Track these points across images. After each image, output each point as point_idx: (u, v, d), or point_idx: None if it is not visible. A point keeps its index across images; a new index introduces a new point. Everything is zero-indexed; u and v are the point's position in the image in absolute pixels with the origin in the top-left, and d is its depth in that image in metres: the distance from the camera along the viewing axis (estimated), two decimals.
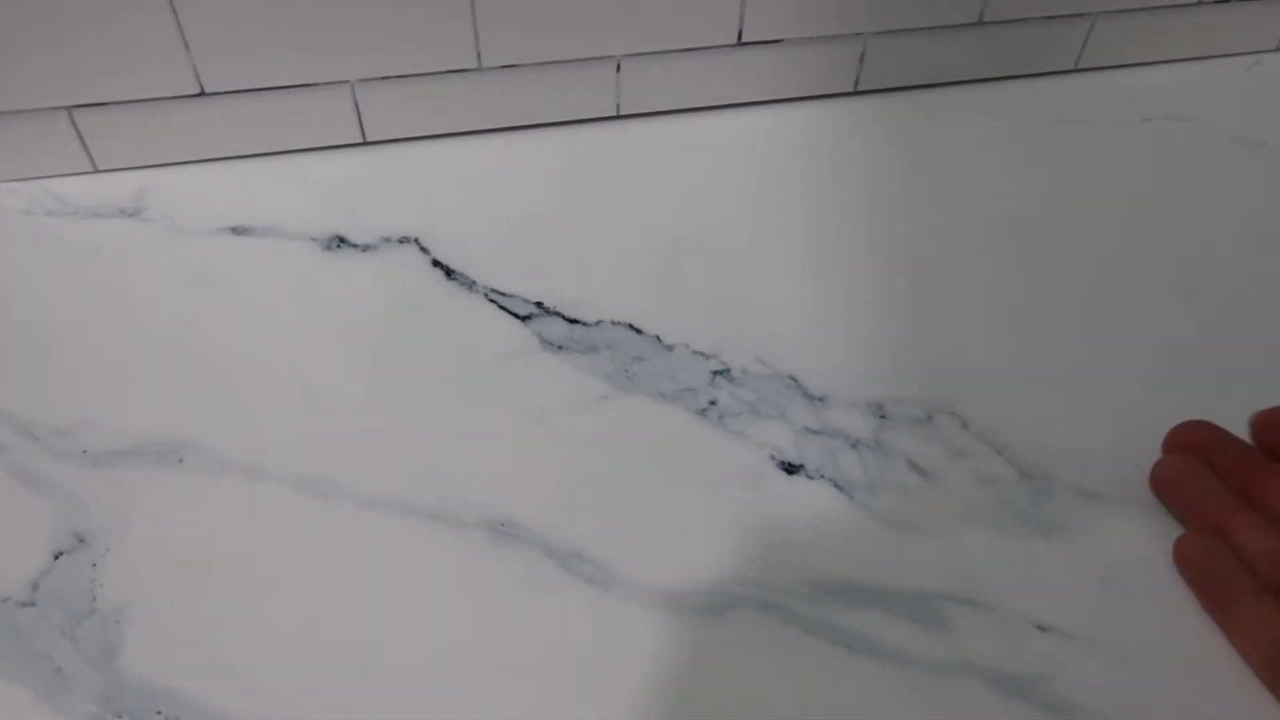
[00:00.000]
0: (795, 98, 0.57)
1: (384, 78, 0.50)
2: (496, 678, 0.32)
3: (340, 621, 0.34)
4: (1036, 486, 0.38)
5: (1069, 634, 0.34)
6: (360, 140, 0.53)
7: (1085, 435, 0.40)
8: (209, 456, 0.38)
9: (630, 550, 0.36)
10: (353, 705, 0.32)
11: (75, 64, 0.46)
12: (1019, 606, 0.34)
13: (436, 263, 0.47)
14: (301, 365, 0.42)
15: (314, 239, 0.48)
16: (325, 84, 0.50)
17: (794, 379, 0.42)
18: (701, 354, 0.43)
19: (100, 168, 0.51)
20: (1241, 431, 0.37)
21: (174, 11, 0.45)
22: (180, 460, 0.38)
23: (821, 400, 0.41)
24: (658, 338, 0.44)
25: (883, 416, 0.41)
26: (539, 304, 0.45)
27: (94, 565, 0.35)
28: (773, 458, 0.39)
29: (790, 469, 0.39)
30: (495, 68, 0.51)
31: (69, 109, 0.48)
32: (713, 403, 0.41)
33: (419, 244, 0.48)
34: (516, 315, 0.44)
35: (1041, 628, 0.34)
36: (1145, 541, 0.36)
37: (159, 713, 0.31)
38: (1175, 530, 0.36)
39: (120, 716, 0.31)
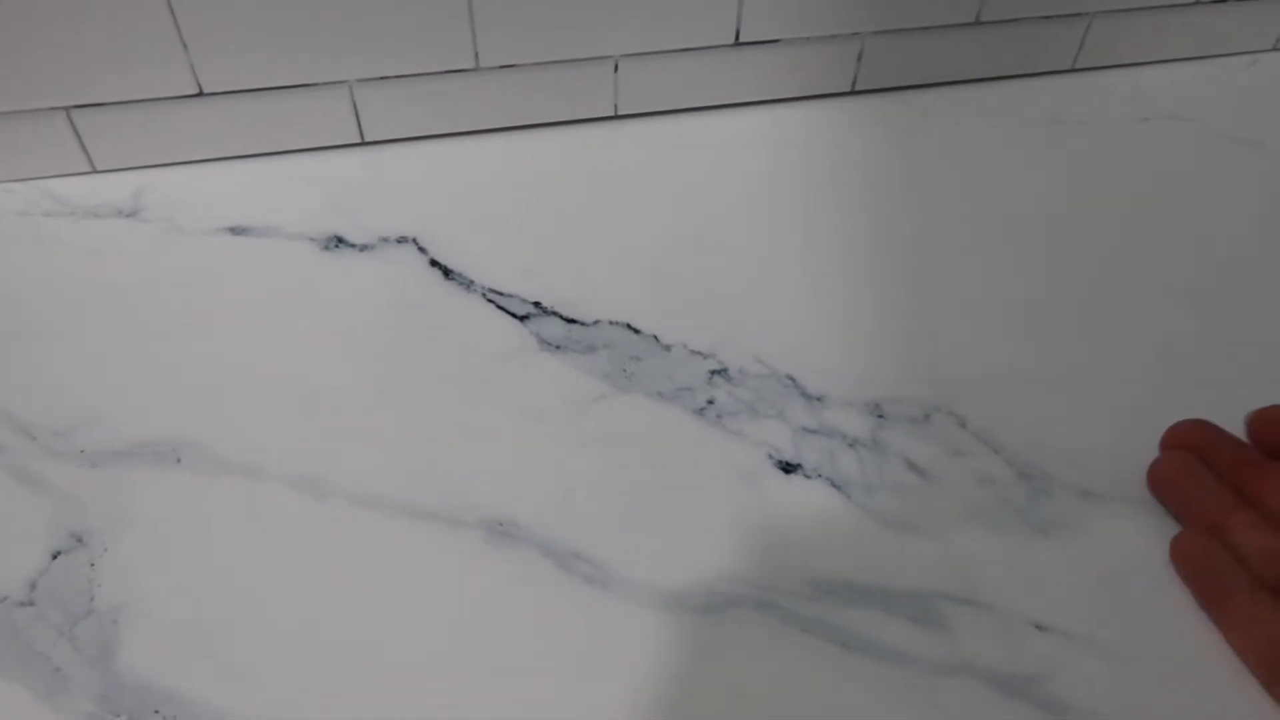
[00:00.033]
0: (793, 98, 0.57)
1: (382, 78, 0.50)
2: (495, 677, 0.32)
3: (338, 621, 0.34)
4: (1035, 486, 0.38)
5: (1068, 633, 0.34)
6: (358, 140, 0.53)
7: (1084, 435, 0.40)
8: (207, 456, 0.38)
9: (628, 550, 0.36)
10: (351, 704, 0.32)
11: (73, 64, 0.46)
12: (1017, 606, 0.34)
13: (434, 262, 0.47)
14: (299, 365, 0.42)
15: (312, 239, 0.48)
16: (323, 84, 0.50)
17: (791, 378, 0.42)
18: (699, 353, 0.43)
19: (98, 168, 0.51)
20: (1240, 431, 0.37)
21: (172, 12, 0.45)
22: (178, 460, 0.38)
23: (819, 400, 0.41)
24: (655, 337, 0.44)
25: (880, 416, 0.41)
26: (537, 304, 0.45)
27: (92, 565, 0.35)
28: (770, 457, 0.39)
29: (788, 468, 0.39)
30: (493, 68, 0.51)
31: (67, 109, 0.48)
32: (710, 402, 0.41)
33: (417, 244, 0.48)
34: (514, 315, 0.44)
35: (1040, 627, 0.34)
36: (1144, 541, 0.36)
37: (157, 712, 0.31)
38: (1174, 530, 0.36)
39: (118, 716, 0.31)
